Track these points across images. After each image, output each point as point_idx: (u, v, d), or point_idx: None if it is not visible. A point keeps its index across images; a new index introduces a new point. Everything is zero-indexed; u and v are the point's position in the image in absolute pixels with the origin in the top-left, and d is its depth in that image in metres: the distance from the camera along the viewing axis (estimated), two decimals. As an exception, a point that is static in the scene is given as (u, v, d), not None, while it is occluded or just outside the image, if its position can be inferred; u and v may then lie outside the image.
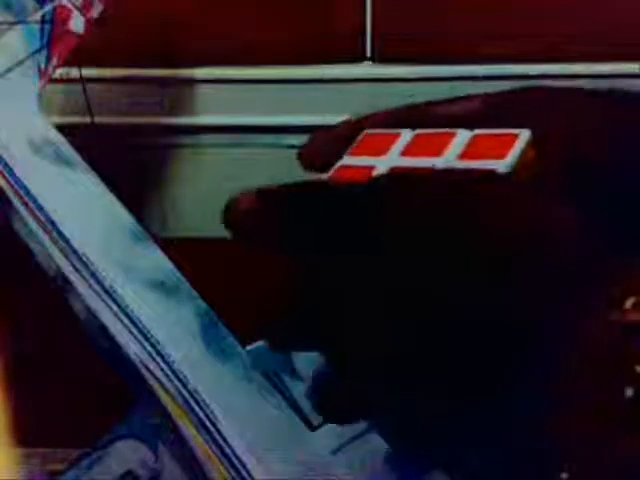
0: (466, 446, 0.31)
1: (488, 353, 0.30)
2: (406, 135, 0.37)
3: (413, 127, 0.38)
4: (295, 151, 0.94)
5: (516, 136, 0.35)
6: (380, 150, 0.37)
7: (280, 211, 0.35)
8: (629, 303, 0.28)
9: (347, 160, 0.37)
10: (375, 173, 0.36)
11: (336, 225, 0.34)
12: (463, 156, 0.35)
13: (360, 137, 0.38)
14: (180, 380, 0.49)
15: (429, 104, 0.39)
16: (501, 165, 0.34)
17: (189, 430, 0.48)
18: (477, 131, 0.37)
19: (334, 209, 0.34)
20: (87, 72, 0.86)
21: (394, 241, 0.31)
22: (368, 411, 0.34)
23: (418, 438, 0.32)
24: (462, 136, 0.36)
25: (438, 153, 0.36)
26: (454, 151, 0.36)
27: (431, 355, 0.30)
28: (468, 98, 0.39)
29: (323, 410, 0.35)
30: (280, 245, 0.37)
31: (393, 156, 0.37)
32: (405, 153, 0.37)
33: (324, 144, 0.40)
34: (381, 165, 0.36)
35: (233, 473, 0.47)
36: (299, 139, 0.94)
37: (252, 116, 0.92)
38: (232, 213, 0.37)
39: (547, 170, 0.34)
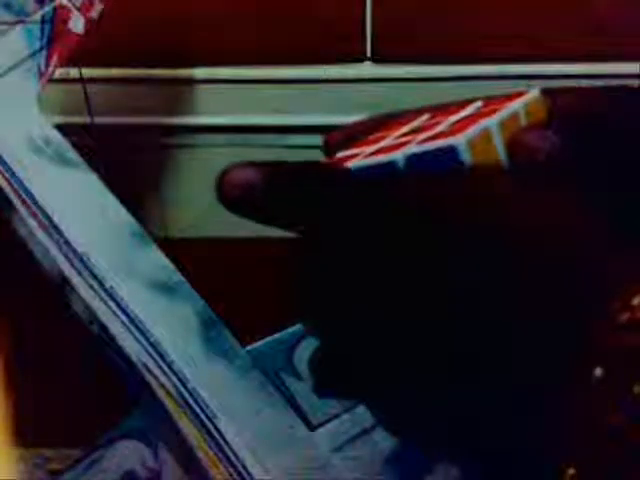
0: (468, 440, 0.31)
1: (493, 348, 0.30)
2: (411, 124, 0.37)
3: None
4: (295, 151, 0.94)
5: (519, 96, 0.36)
6: (377, 141, 0.37)
7: (279, 187, 0.35)
8: (636, 301, 0.28)
9: (346, 152, 0.37)
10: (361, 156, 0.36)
11: (332, 206, 0.34)
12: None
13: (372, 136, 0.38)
14: (180, 380, 0.49)
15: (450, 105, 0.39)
16: (488, 122, 0.34)
17: (189, 430, 0.48)
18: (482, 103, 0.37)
19: (332, 191, 0.34)
20: (87, 72, 0.86)
21: (399, 233, 0.31)
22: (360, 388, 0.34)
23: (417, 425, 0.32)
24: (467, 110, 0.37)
25: (432, 129, 0.36)
26: (446, 124, 0.36)
27: (431, 345, 0.30)
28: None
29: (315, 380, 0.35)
30: (273, 219, 0.37)
31: (388, 140, 0.36)
32: (402, 136, 0.36)
33: (349, 135, 0.40)
34: (371, 150, 0.36)
35: (233, 473, 0.47)
36: (299, 139, 0.95)
37: (252, 116, 0.92)
38: (228, 184, 0.37)
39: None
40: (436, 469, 0.47)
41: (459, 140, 0.33)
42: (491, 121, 0.34)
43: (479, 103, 0.37)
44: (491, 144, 0.33)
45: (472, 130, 0.33)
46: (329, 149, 0.41)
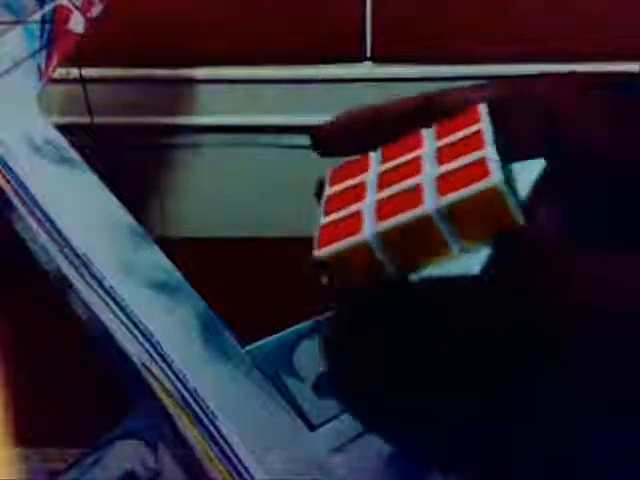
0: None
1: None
2: (373, 176, 0.37)
3: (431, 116, 0.38)
4: (295, 151, 0.94)
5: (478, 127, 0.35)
6: (354, 197, 0.37)
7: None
8: None
9: (326, 219, 0.36)
10: (363, 220, 0.35)
11: None
12: (441, 161, 0.36)
13: (326, 196, 0.38)
14: (180, 380, 0.49)
15: (445, 91, 0.40)
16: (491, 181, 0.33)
17: (189, 430, 0.48)
18: (439, 143, 0.37)
19: None
20: (87, 72, 0.86)
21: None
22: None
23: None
24: (428, 149, 0.36)
25: (416, 171, 0.36)
26: (430, 162, 0.36)
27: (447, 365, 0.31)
28: (482, 85, 0.39)
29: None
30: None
31: (371, 195, 0.36)
32: (381, 185, 0.36)
33: (339, 128, 0.41)
34: (363, 207, 0.36)
35: (233, 473, 0.47)
36: (299, 139, 0.95)
37: (252, 116, 0.92)
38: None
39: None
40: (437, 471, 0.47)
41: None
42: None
43: (433, 148, 0.36)
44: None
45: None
46: (317, 143, 0.41)
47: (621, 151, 0.35)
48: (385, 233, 0.33)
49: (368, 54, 0.90)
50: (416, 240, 0.33)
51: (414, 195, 0.34)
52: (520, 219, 0.32)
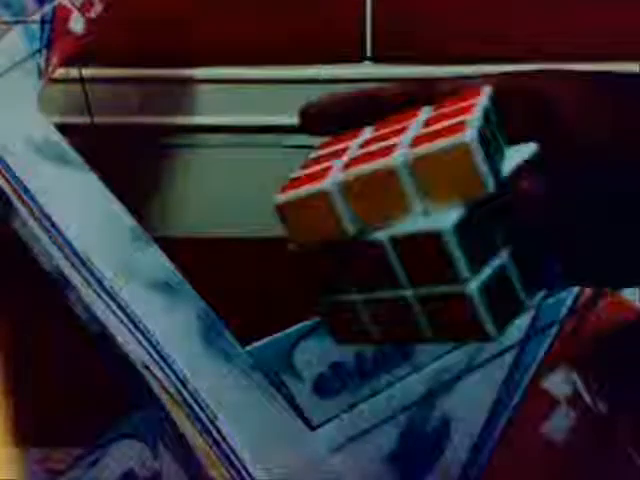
0: None
1: None
2: (359, 141, 0.36)
3: (423, 102, 0.37)
4: (295, 151, 0.94)
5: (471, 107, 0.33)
6: (333, 157, 0.35)
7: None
8: None
9: (299, 172, 0.35)
10: (330, 173, 0.33)
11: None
12: (425, 126, 0.33)
13: (309, 158, 0.36)
14: (180, 380, 0.49)
15: (439, 79, 0.39)
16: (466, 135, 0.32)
17: (189, 430, 0.48)
18: (432, 113, 0.34)
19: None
20: (87, 72, 0.86)
21: None
22: None
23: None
24: (420, 118, 0.34)
25: (399, 135, 0.34)
26: (415, 127, 0.34)
27: None
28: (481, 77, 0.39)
29: None
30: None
31: (348, 154, 0.35)
32: (362, 147, 0.34)
33: (328, 105, 0.41)
34: (335, 163, 0.34)
35: (233, 473, 0.47)
36: (299, 139, 0.95)
37: (252, 116, 0.92)
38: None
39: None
40: (436, 469, 0.47)
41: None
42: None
43: (423, 118, 0.35)
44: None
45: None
46: (305, 122, 0.41)
47: (622, 147, 0.35)
48: (345, 182, 0.32)
49: (368, 54, 0.90)
50: (377, 192, 0.31)
51: (386, 152, 0.32)
52: (490, 185, 0.31)
